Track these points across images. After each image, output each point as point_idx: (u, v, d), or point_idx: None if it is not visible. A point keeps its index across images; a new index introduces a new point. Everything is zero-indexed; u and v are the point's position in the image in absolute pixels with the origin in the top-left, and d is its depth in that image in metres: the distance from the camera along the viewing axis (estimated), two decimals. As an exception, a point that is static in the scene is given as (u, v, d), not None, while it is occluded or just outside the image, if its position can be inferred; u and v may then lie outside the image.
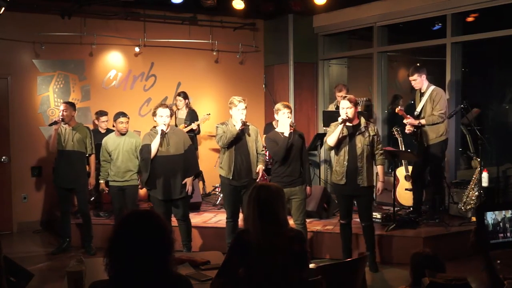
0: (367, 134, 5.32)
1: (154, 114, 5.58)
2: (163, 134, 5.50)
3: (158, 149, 5.52)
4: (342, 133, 5.27)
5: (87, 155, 6.43)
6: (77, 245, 6.64)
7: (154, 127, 5.67)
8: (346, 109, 5.25)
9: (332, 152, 5.58)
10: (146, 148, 5.54)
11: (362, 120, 5.39)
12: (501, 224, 2.45)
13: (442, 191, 6.70)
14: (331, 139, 5.28)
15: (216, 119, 8.27)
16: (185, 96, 7.82)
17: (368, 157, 5.32)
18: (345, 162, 5.31)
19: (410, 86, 6.77)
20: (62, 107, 6.33)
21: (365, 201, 5.47)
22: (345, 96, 5.37)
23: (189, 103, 8.01)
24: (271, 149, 5.46)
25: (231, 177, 5.54)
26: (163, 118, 5.51)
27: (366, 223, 5.49)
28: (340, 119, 5.21)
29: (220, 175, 5.71)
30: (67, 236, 6.53)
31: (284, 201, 3.10)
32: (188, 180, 5.69)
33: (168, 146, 5.56)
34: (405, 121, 6.34)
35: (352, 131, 5.32)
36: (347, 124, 5.29)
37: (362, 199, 5.45)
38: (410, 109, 6.74)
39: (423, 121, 6.26)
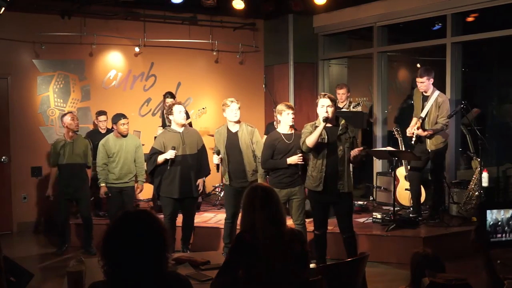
0: (347, 135, 4.97)
1: (170, 113, 5.67)
2: (171, 161, 5.56)
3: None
4: (321, 135, 4.90)
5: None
6: (77, 245, 6.64)
7: (169, 125, 5.82)
8: (326, 107, 4.89)
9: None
10: (153, 157, 5.61)
11: (342, 121, 5.04)
12: (502, 223, 2.45)
13: (442, 193, 6.67)
14: (310, 140, 4.87)
15: (216, 119, 8.29)
16: (172, 96, 7.82)
17: (348, 160, 4.96)
18: (323, 167, 4.93)
19: (410, 86, 6.75)
20: (69, 119, 6.24)
21: (345, 208, 5.05)
22: (325, 94, 5.04)
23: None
24: (263, 156, 5.40)
25: (228, 183, 5.62)
26: (181, 114, 5.66)
27: (347, 234, 5.05)
28: (321, 118, 4.86)
29: (224, 184, 5.82)
30: (67, 240, 6.55)
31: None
32: (200, 181, 5.82)
33: (184, 145, 5.66)
34: (413, 130, 6.21)
35: (332, 134, 4.95)
36: (327, 125, 4.93)
37: (342, 206, 5.02)
38: (410, 110, 6.72)
39: (431, 132, 6.15)
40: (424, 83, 6.23)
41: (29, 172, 7.68)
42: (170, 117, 5.70)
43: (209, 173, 6.02)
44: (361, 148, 4.91)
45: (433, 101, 6.21)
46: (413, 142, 6.33)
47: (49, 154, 6.45)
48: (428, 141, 6.23)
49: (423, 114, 6.26)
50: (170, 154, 5.54)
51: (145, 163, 6.16)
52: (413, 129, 6.25)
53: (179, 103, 5.79)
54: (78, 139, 6.39)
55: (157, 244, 2.03)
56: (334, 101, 4.99)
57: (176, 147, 5.58)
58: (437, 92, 6.26)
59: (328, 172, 4.94)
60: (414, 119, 6.37)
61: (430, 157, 6.30)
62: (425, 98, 6.31)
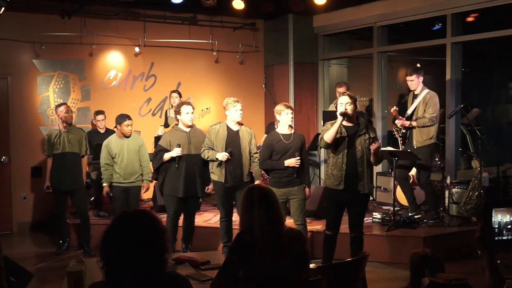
0: (367, 136, 4.93)
1: (178, 112, 5.72)
2: (178, 159, 5.60)
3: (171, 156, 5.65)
4: (341, 133, 4.89)
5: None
6: (76, 245, 6.64)
7: (176, 124, 5.84)
8: (345, 104, 4.88)
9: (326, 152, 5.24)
10: (159, 154, 5.66)
11: (362, 121, 5.03)
12: (506, 222, 2.45)
13: (433, 193, 6.59)
14: (328, 135, 4.86)
15: (217, 119, 8.28)
16: (179, 94, 7.85)
17: (368, 161, 4.94)
18: (343, 166, 4.89)
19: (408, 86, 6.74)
20: (64, 111, 6.27)
21: (361, 209, 5.06)
22: (345, 92, 5.09)
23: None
24: (261, 156, 5.44)
25: (223, 181, 5.58)
26: (189, 115, 5.69)
27: (356, 234, 5.04)
28: (339, 113, 4.85)
29: (212, 180, 5.75)
30: (66, 237, 6.54)
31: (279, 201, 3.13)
32: (211, 184, 5.84)
33: (189, 145, 5.69)
34: (396, 121, 6.34)
35: (352, 133, 4.92)
36: (347, 124, 4.92)
37: (359, 207, 5.02)
38: (402, 110, 6.73)
39: (414, 123, 6.24)
40: (414, 81, 6.32)
41: (29, 172, 7.69)
42: (178, 116, 5.76)
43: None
44: (380, 142, 4.89)
45: (421, 98, 6.28)
46: (397, 134, 6.38)
47: (43, 144, 6.45)
48: (414, 138, 6.27)
49: (409, 111, 6.34)
50: (176, 152, 5.58)
51: (151, 162, 6.18)
52: (399, 125, 6.33)
53: (188, 103, 5.80)
54: (73, 129, 6.39)
55: (155, 245, 2.03)
56: (354, 99, 4.95)
57: (182, 146, 5.61)
58: (426, 90, 6.34)
59: (348, 171, 4.90)
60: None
61: (423, 154, 6.24)
62: (415, 97, 6.36)
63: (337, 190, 4.96)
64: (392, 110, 6.38)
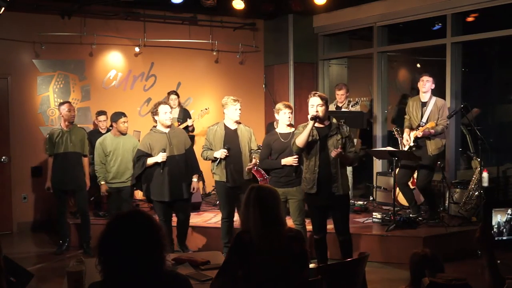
0: (339, 136, 4.78)
1: (155, 113, 5.54)
2: (163, 164, 5.45)
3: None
4: (312, 136, 4.77)
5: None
6: (77, 245, 6.64)
7: (154, 126, 5.67)
8: (316, 106, 4.74)
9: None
10: (142, 160, 5.50)
11: (334, 121, 4.89)
12: (506, 222, 2.45)
13: (432, 195, 6.56)
14: (299, 139, 4.74)
15: (217, 119, 8.28)
16: (177, 94, 7.84)
17: (342, 162, 4.81)
18: (316, 168, 4.78)
19: (410, 86, 6.72)
20: (66, 110, 6.25)
21: (342, 211, 4.90)
22: (315, 93, 4.87)
23: (180, 102, 8.08)
24: (260, 156, 5.43)
25: (225, 180, 5.56)
26: (167, 114, 5.53)
27: (343, 237, 4.92)
28: (310, 116, 4.71)
29: (214, 180, 5.72)
30: (66, 237, 6.54)
31: (281, 201, 3.10)
32: (194, 183, 5.71)
33: (171, 146, 5.54)
34: (417, 132, 6.17)
35: (324, 134, 4.80)
36: (319, 125, 4.81)
37: (338, 209, 4.88)
38: (402, 119, 6.69)
39: (432, 131, 6.14)
40: (429, 83, 6.25)
41: (29, 172, 7.68)
42: (156, 117, 5.56)
43: (200, 173, 5.96)
44: (340, 148, 4.68)
45: (432, 105, 6.23)
46: (407, 148, 6.32)
47: (45, 143, 6.45)
48: (429, 146, 6.21)
49: (424, 119, 6.24)
50: (161, 157, 5.41)
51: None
52: (410, 136, 6.25)
53: (165, 103, 5.70)
54: (75, 128, 6.39)
55: (151, 243, 2.03)
56: (325, 100, 4.85)
57: (164, 148, 5.46)
58: (435, 98, 6.29)
59: (321, 174, 4.78)
60: (407, 131, 6.36)
61: (433, 161, 6.25)
62: (424, 105, 6.31)
63: (311, 194, 4.87)
64: (408, 133, 6.29)
